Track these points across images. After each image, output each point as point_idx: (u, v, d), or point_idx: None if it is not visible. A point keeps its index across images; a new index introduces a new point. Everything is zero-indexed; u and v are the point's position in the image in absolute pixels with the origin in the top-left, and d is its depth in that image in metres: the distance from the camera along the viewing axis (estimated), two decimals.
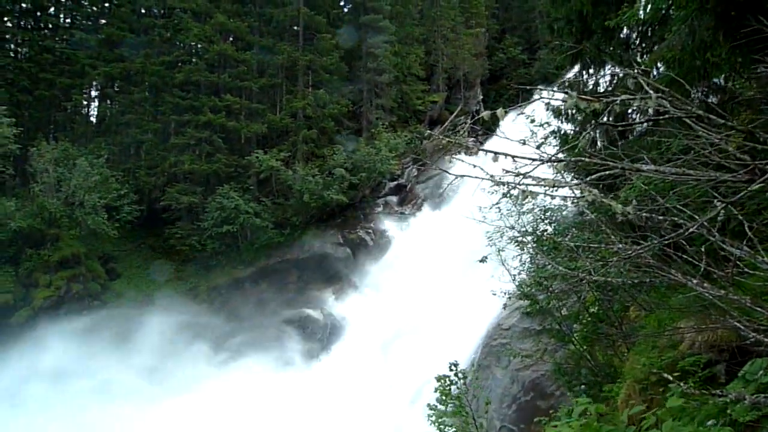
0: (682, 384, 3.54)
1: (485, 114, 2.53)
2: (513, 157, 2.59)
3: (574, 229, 8.26)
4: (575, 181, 2.76)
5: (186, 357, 21.32)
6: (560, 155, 2.99)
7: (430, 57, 38.79)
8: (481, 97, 40.67)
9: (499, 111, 2.37)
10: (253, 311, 25.12)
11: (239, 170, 29.27)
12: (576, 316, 8.82)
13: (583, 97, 2.35)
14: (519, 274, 9.12)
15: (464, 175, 3.00)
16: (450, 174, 3.08)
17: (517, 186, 2.92)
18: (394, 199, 30.45)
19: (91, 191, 24.97)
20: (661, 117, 2.54)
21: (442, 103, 37.80)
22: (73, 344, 20.26)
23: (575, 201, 3.06)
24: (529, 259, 9.01)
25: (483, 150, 2.78)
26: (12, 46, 32.72)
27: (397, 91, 35.24)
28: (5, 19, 31.79)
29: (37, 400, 17.87)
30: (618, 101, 2.29)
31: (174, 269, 27.54)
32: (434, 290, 20.52)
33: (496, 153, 2.58)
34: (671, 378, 3.65)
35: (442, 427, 7.72)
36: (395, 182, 31.10)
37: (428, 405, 8.10)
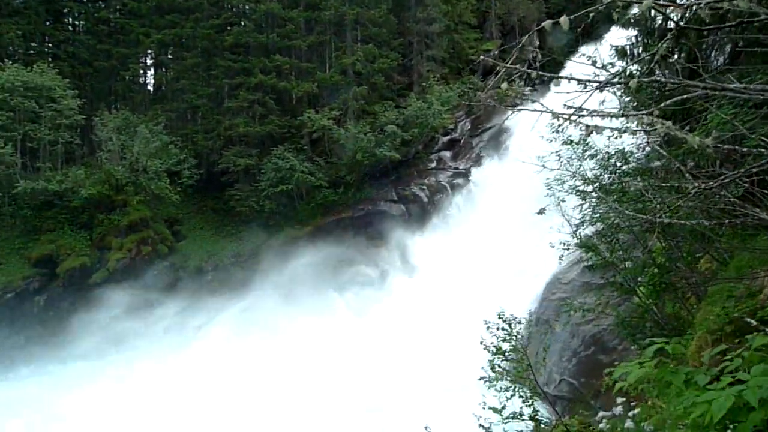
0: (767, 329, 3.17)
1: (546, 24, 2.21)
2: (576, 80, 2.28)
3: (639, 179, 7.69)
4: (644, 112, 2.41)
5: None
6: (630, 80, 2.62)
7: (482, 3, 37.05)
8: (538, 42, 38.63)
9: (563, 19, 2.06)
10: (310, 270, 25.59)
11: (292, 131, 29.49)
12: (641, 268, 8.33)
13: (660, 3, 1.99)
14: (581, 225, 8.67)
15: (522, 109, 2.71)
16: (508, 108, 2.80)
17: (580, 121, 2.60)
18: (447, 154, 29.82)
19: (153, 157, 25.95)
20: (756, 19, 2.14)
21: (496, 52, 36.22)
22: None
23: (645, 134, 2.71)
24: (591, 210, 8.52)
25: (542, 75, 2.48)
26: (70, 20, 33.82)
27: (449, 41, 34.02)
28: None
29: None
30: (703, 4, 1.92)
31: (234, 230, 28.44)
32: (492, 245, 20.12)
33: (557, 77, 2.29)
34: (754, 322, 3.28)
35: (498, 376, 7.53)
36: (448, 137, 30.38)
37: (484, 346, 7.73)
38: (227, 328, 20.58)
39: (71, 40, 31.99)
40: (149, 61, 35.50)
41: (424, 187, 27.98)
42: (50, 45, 32.72)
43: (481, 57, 30.51)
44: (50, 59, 30.07)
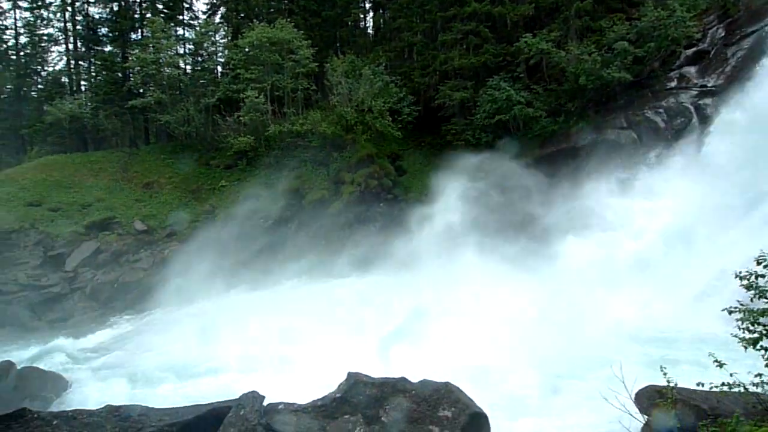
0: None
1: None
2: None
3: None
4: None
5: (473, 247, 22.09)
6: None
7: None
8: None
9: None
10: (528, 204, 24.89)
11: (507, 59, 28.39)
12: None
13: None
14: None
15: None
16: None
17: None
18: (692, 69, 25.46)
19: (376, 97, 27.68)
20: None
21: None
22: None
23: None
24: None
25: None
26: None
27: None
28: None
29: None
30: None
31: (451, 164, 29.07)
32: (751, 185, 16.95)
33: None
34: None
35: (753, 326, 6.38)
36: (693, 49, 25.85)
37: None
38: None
39: None
40: (368, 5, 37.23)
41: (661, 110, 24.54)
42: (286, 1, 36.43)
43: None
44: (287, 14, 33.62)
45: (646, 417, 6.70)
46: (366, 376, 6.60)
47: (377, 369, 7.21)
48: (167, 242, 24.77)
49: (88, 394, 11.07)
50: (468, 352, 10.53)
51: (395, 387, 6.58)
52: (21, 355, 14.74)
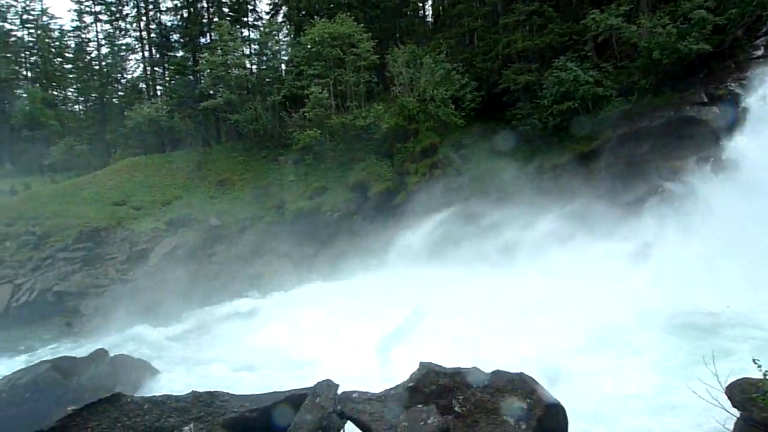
0: None
1: None
2: None
3: None
4: None
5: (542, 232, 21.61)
6: None
7: None
8: None
9: None
10: (600, 188, 23.91)
11: (574, 38, 27.25)
12: None
13: None
14: None
15: None
16: None
17: None
18: None
19: (438, 86, 27.39)
20: None
21: None
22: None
23: None
24: None
25: None
26: None
27: None
28: None
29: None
30: None
31: (515, 150, 28.37)
32: None
33: None
34: None
35: None
36: None
37: None
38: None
39: None
40: None
41: (745, 82, 22.77)
42: None
43: None
44: (346, 9, 33.86)
45: (738, 411, 6.29)
46: (438, 365, 6.59)
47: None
48: (240, 236, 25.79)
49: (174, 380, 11.77)
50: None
51: (468, 377, 6.53)
52: (112, 342, 15.86)
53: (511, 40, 27.84)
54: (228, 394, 6.24)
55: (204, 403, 5.98)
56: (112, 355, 12.02)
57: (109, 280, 22.65)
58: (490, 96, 29.68)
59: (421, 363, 6.59)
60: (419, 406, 6.25)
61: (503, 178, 26.99)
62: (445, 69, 28.22)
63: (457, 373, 6.52)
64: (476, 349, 10.43)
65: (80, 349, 15.30)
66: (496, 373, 6.58)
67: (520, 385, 6.45)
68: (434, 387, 6.47)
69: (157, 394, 6.43)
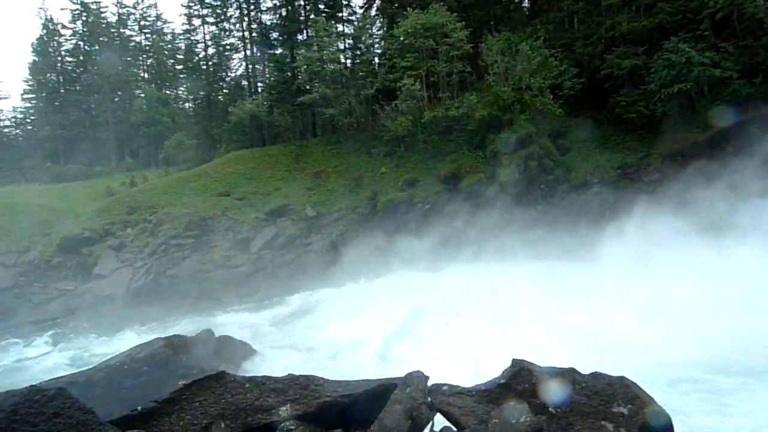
0: None
1: None
2: None
3: None
4: None
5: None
6: None
7: None
8: None
9: None
10: (719, 182, 21.61)
11: (687, 16, 25.06)
12: None
13: None
14: None
15: None
16: None
17: None
18: None
19: (535, 73, 26.39)
20: None
21: None
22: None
23: None
24: None
25: None
26: None
27: None
28: None
29: None
30: None
31: (620, 140, 26.69)
32: None
33: None
34: None
35: None
36: None
37: None
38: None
39: None
40: None
41: None
42: None
43: None
44: None
45: None
46: (532, 363, 6.36)
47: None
48: (335, 227, 26.55)
49: (272, 362, 12.37)
50: None
51: (563, 378, 6.24)
52: (216, 323, 16.98)
53: (616, 22, 26.17)
54: (322, 378, 6.43)
55: (300, 386, 6.21)
56: (216, 335, 12.86)
57: (214, 266, 24.25)
58: (591, 83, 28.14)
59: (513, 360, 6.39)
60: (511, 403, 6.08)
61: (607, 170, 25.56)
62: (543, 56, 27.12)
63: (552, 372, 6.25)
64: None
65: (189, 327, 16.54)
66: (595, 375, 6.23)
67: (622, 389, 6.05)
68: (527, 385, 6.25)
69: (256, 375, 6.78)
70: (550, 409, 6.07)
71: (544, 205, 25.26)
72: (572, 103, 27.59)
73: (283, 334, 16.30)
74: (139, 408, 5.59)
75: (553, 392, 6.09)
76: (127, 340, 15.87)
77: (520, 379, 6.31)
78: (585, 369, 6.42)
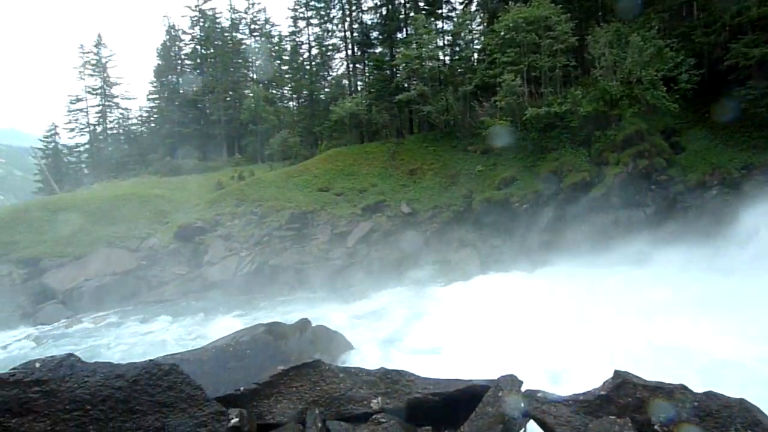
0: None
1: None
2: None
3: None
4: None
5: None
6: None
7: None
8: None
9: None
10: None
11: None
12: None
13: None
14: None
15: None
16: None
17: None
18: None
19: (647, 66, 24.62)
20: None
21: None
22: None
23: None
24: None
25: None
26: None
27: None
28: None
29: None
30: None
31: (745, 137, 24.21)
32: None
33: None
34: None
35: None
36: None
37: None
38: None
39: None
40: None
41: None
42: None
43: None
44: None
45: None
46: (636, 376, 5.94)
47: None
48: (429, 224, 26.56)
49: (365, 354, 12.62)
50: None
51: (672, 394, 5.77)
52: (313, 313, 17.64)
53: (743, 8, 23.75)
54: (414, 374, 6.44)
55: (391, 380, 6.27)
56: (313, 325, 13.35)
57: (313, 258, 25.22)
58: (711, 74, 25.81)
59: (615, 371, 6.01)
60: (611, 417, 5.73)
61: (729, 170, 23.34)
62: (657, 47, 25.20)
63: (660, 388, 5.79)
64: None
65: (288, 316, 17.33)
66: (709, 395, 5.69)
67: (741, 412, 5.48)
68: (630, 399, 5.86)
69: (350, 366, 6.94)
70: (655, 427, 5.65)
71: (654, 207, 23.55)
72: (689, 98, 25.42)
73: (373, 327, 16.57)
74: (242, 388, 5.93)
75: (661, 409, 5.66)
76: (232, 324, 16.98)
77: (623, 392, 5.93)
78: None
